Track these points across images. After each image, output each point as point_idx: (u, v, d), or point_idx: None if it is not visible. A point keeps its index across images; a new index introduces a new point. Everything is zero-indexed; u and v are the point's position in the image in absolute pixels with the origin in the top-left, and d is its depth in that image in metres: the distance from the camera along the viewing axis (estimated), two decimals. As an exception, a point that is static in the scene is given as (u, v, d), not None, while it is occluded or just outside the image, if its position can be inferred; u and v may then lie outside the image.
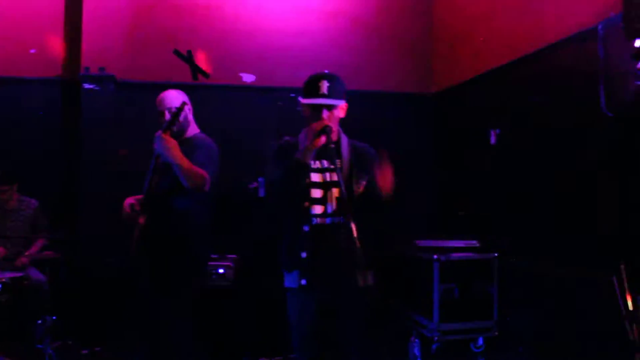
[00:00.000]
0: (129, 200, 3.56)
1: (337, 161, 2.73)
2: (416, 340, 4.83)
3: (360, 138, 2.94)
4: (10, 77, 5.46)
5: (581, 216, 4.27)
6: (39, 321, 4.33)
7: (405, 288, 5.68)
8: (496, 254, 5.20)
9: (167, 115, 3.53)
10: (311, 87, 2.73)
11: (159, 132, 3.31)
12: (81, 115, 5.47)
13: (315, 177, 2.79)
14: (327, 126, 2.60)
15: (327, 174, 2.77)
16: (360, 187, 2.77)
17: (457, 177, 6.10)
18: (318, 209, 2.76)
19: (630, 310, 3.57)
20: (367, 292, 2.50)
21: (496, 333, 5.18)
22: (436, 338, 5.04)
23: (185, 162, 3.30)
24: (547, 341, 4.68)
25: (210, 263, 4.13)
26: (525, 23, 4.91)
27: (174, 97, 3.60)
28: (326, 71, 2.79)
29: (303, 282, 2.74)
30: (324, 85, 2.70)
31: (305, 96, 2.76)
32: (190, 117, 3.68)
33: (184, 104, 3.36)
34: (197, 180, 3.32)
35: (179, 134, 3.55)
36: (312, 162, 2.75)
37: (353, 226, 2.36)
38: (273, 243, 5.04)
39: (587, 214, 4.20)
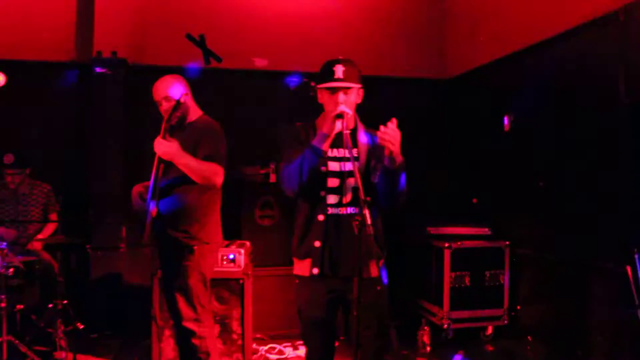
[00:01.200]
0: (138, 188, 3.55)
1: (354, 150, 2.70)
2: (426, 327, 4.83)
3: (374, 124, 2.90)
4: (22, 61, 5.42)
5: (596, 204, 4.22)
6: (50, 305, 4.35)
7: (416, 275, 5.66)
8: (508, 242, 5.16)
9: (164, 105, 3.50)
10: (326, 72, 2.70)
11: (157, 137, 3.28)
12: (93, 99, 5.44)
13: (333, 166, 2.75)
14: (343, 111, 2.57)
15: (344, 163, 2.73)
16: (376, 176, 2.73)
17: (471, 163, 6.06)
18: (333, 199, 2.73)
19: (643, 301, 3.54)
20: (380, 282, 2.46)
21: (506, 321, 5.17)
22: (446, 326, 5.02)
23: (190, 162, 3.28)
24: (557, 330, 4.65)
25: (221, 249, 4.11)
26: (543, 7, 4.81)
27: (170, 85, 3.54)
28: (340, 57, 2.75)
29: (315, 270, 2.72)
30: (339, 69, 2.68)
31: (321, 81, 2.73)
32: (190, 102, 3.60)
33: (178, 102, 3.29)
34: (206, 175, 3.31)
35: (180, 123, 3.51)
36: (329, 151, 2.71)
37: (367, 215, 2.31)
38: (285, 230, 5.09)
39: (602, 202, 4.15)
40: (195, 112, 3.64)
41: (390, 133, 2.47)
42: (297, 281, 2.84)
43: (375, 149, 2.77)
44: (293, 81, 5.91)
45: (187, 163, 3.30)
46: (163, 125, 3.32)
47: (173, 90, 3.50)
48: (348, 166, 2.69)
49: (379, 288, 2.67)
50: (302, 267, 2.79)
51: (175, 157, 3.29)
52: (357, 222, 2.37)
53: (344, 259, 2.67)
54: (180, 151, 3.29)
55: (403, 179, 2.63)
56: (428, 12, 6.40)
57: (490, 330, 5.21)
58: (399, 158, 2.56)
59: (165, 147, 3.27)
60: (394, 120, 2.50)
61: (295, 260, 2.85)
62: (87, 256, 5.31)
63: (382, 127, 2.48)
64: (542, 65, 4.86)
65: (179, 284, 3.45)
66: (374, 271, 2.51)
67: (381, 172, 2.68)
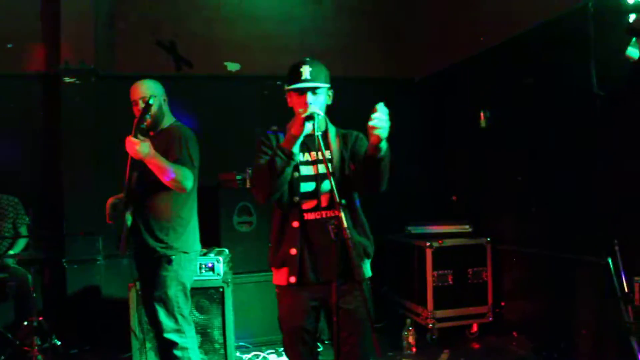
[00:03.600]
0: (111, 200, 3.48)
1: (326, 152, 2.64)
2: (410, 328, 4.80)
3: (347, 125, 2.85)
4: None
5: (575, 198, 4.22)
6: (25, 322, 4.24)
7: (398, 275, 5.64)
8: (489, 239, 5.15)
9: (140, 105, 3.43)
10: (293, 74, 2.65)
11: (129, 136, 3.20)
12: (62, 109, 5.34)
13: (306, 170, 2.69)
14: (313, 112, 2.50)
15: (319, 166, 2.67)
16: (352, 168, 2.67)
17: (449, 161, 6.05)
18: (309, 204, 2.67)
19: (625, 292, 3.54)
20: (362, 287, 2.40)
21: (491, 318, 5.16)
22: (430, 326, 5.00)
23: (162, 163, 3.21)
24: (541, 324, 4.65)
25: (199, 257, 4.04)
26: (513, 3, 4.83)
27: (148, 87, 3.49)
28: (307, 57, 2.71)
29: (292, 279, 2.65)
30: (306, 70, 2.62)
31: (288, 83, 2.67)
32: (166, 108, 3.58)
33: (150, 100, 3.22)
34: (177, 179, 3.24)
35: (154, 127, 3.46)
36: (301, 155, 2.65)
37: (342, 219, 2.25)
38: (263, 235, 5.02)
39: (581, 195, 4.15)
40: (168, 119, 3.59)
41: (382, 118, 2.37)
42: (277, 290, 2.78)
43: (348, 147, 2.73)
44: (266, 85, 5.85)
45: (158, 163, 3.21)
46: (134, 125, 3.24)
47: (150, 91, 3.45)
48: (322, 169, 2.63)
49: (359, 292, 2.58)
50: (280, 277, 2.72)
51: (146, 156, 3.18)
52: (333, 227, 2.30)
53: (323, 265, 2.61)
54: (151, 150, 3.19)
55: (388, 165, 2.53)
56: (400, 11, 6.39)
57: (475, 328, 5.20)
58: (385, 144, 2.46)
59: (136, 146, 3.17)
60: (383, 110, 2.40)
61: (273, 269, 2.79)
62: (62, 270, 5.19)
63: (373, 115, 2.38)
64: (515, 60, 4.87)
65: (158, 295, 3.38)
66: (358, 275, 2.44)
67: (360, 161, 2.61)
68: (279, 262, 2.71)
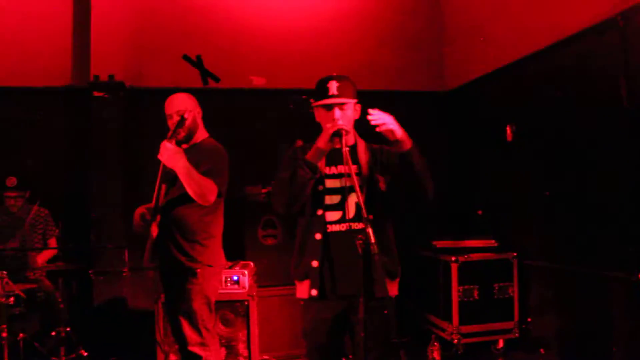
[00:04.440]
0: (140, 210, 3.50)
1: (354, 167, 2.66)
2: (436, 343, 4.75)
3: (374, 139, 2.86)
4: (19, 88, 5.41)
5: (603, 213, 4.15)
6: (53, 333, 4.29)
7: (423, 290, 5.59)
8: (515, 254, 5.09)
9: (175, 118, 3.46)
10: (321, 89, 2.67)
11: (164, 141, 3.25)
12: (92, 122, 5.42)
13: (332, 183, 2.70)
14: (341, 129, 2.51)
15: (344, 179, 2.68)
16: (382, 186, 2.67)
17: (474, 175, 6.00)
18: (335, 216, 2.67)
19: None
20: (385, 303, 2.39)
21: (517, 334, 5.09)
22: (456, 341, 4.94)
23: (191, 172, 3.24)
24: (569, 342, 4.57)
25: (224, 271, 4.06)
26: (541, 16, 4.79)
27: (183, 100, 3.54)
28: (334, 74, 2.72)
29: (313, 292, 2.65)
30: (334, 86, 2.64)
31: (316, 99, 2.70)
32: (199, 121, 3.61)
33: (182, 118, 3.26)
34: (202, 190, 3.26)
35: (187, 140, 3.50)
36: (327, 168, 2.66)
37: (371, 234, 2.25)
38: (288, 248, 5.03)
39: (610, 210, 4.09)
40: (202, 134, 3.62)
41: (378, 115, 2.45)
42: (302, 303, 2.78)
43: (377, 162, 2.73)
44: (292, 99, 5.88)
45: (188, 172, 3.23)
46: (170, 131, 3.27)
47: (186, 104, 3.49)
48: (348, 182, 2.64)
49: (385, 312, 2.59)
50: (302, 289, 2.73)
51: (176, 164, 3.22)
52: (360, 242, 2.30)
53: (346, 278, 2.60)
54: (183, 158, 3.23)
55: (421, 162, 2.57)
56: (426, 25, 6.39)
57: (501, 344, 5.12)
58: (408, 140, 2.51)
59: (170, 151, 3.21)
60: (375, 109, 2.49)
61: (296, 282, 2.80)
62: (89, 282, 5.25)
63: (368, 116, 2.47)
64: (542, 74, 4.82)
65: (183, 308, 3.39)
66: (380, 291, 2.44)
67: (397, 173, 2.62)
68: (301, 275, 2.73)
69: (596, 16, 4.12)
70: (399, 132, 2.50)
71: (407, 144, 2.52)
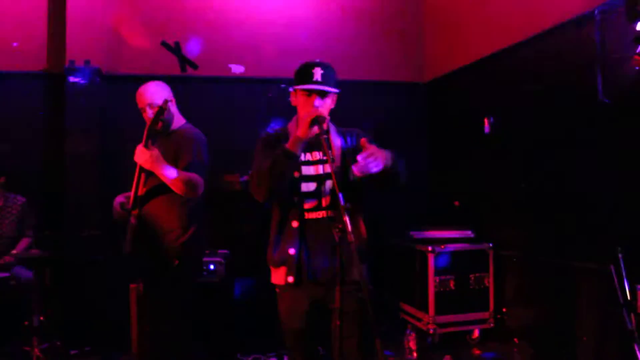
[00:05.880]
0: (119, 199, 3.47)
1: (329, 152, 2.64)
2: (411, 333, 4.78)
3: (343, 123, 2.84)
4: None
5: (578, 204, 4.21)
6: (26, 322, 4.24)
7: (399, 280, 5.62)
8: (491, 244, 5.14)
9: (148, 112, 3.42)
10: (304, 74, 2.63)
11: (139, 145, 3.21)
12: (67, 108, 5.34)
13: (308, 170, 2.68)
14: (319, 116, 2.49)
15: (321, 166, 2.67)
16: (355, 172, 2.66)
17: (451, 166, 6.04)
18: (310, 203, 2.66)
19: (628, 300, 3.53)
20: (361, 287, 2.39)
21: (492, 324, 5.15)
22: (432, 331, 4.99)
23: (171, 173, 3.21)
24: (543, 331, 4.63)
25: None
26: (520, 8, 4.82)
27: (154, 92, 3.47)
28: (318, 60, 2.69)
29: (290, 279, 2.64)
30: (318, 72, 2.61)
31: (297, 83, 2.65)
32: (174, 109, 3.56)
33: (161, 107, 3.22)
34: (188, 188, 3.25)
35: (164, 129, 3.45)
36: (302, 155, 2.65)
37: (347, 222, 2.25)
38: (263, 238, 5.02)
39: (584, 202, 4.14)
40: (178, 121, 3.57)
41: (372, 159, 2.35)
42: (277, 290, 2.78)
43: (350, 146, 2.72)
44: (271, 88, 5.86)
45: (167, 174, 3.22)
46: (145, 132, 3.24)
47: (157, 96, 3.43)
48: (325, 169, 2.63)
49: (360, 294, 2.57)
50: (278, 276, 2.72)
51: (155, 167, 3.21)
52: (337, 230, 2.30)
53: (322, 265, 2.61)
54: (160, 161, 3.21)
55: (396, 164, 2.53)
56: (406, 16, 6.40)
57: (476, 334, 5.18)
58: (388, 160, 2.46)
59: (146, 156, 3.19)
60: (364, 142, 2.41)
61: (271, 268, 2.78)
62: (64, 270, 5.18)
63: (359, 158, 2.36)
64: (520, 67, 4.86)
65: (162, 295, 3.37)
66: (355, 274, 2.44)
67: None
68: (277, 261, 2.70)
69: (574, 10, 4.16)
70: (382, 163, 2.40)
71: (389, 161, 2.46)
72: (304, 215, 2.66)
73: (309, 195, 2.67)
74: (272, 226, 2.77)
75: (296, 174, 2.63)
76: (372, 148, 2.40)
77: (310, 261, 2.64)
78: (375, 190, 2.68)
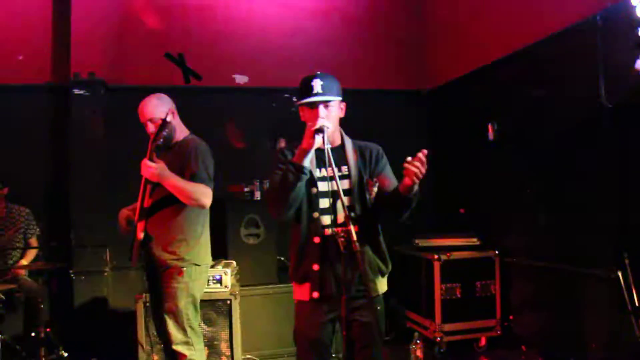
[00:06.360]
0: (124, 214, 3.49)
1: (344, 167, 2.65)
2: (418, 341, 4.76)
3: (357, 136, 2.85)
4: (-1, 85, 5.36)
5: (584, 210, 4.19)
6: (32, 334, 4.24)
7: (406, 288, 5.61)
8: (497, 252, 5.12)
9: (150, 127, 3.44)
10: (304, 88, 2.64)
11: (144, 159, 3.24)
12: (72, 120, 5.36)
13: (323, 187, 2.69)
14: (322, 125, 2.50)
15: (334, 182, 2.67)
16: (373, 192, 2.68)
17: (456, 173, 6.03)
18: (326, 219, 2.67)
19: (635, 306, 3.52)
20: (380, 302, 2.40)
21: (499, 332, 5.12)
22: (438, 339, 4.96)
23: (179, 183, 3.24)
24: (551, 338, 4.61)
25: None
26: (521, 16, 4.83)
27: (154, 107, 3.47)
28: (318, 72, 2.70)
29: (315, 294, 2.65)
30: (317, 84, 2.61)
31: (299, 98, 2.67)
32: (177, 120, 3.57)
33: (164, 121, 3.24)
34: (196, 197, 3.27)
35: (167, 142, 3.46)
36: (318, 171, 2.65)
37: (352, 232, 2.26)
38: (271, 247, 5.02)
39: (590, 208, 4.13)
40: (182, 132, 3.59)
41: (419, 166, 2.40)
42: (297, 304, 2.79)
43: (366, 162, 2.72)
44: (275, 97, 5.88)
45: (175, 184, 3.25)
46: (149, 146, 3.27)
47: (157, 111, 3.44)
48: (336, 185, 2.63)
49: (379, 307, 2.60)
50: (302, 292, 2.73)
51: (162, 179, 3.24)
52: (342, 239, 2.30)
53: (340, 281, 2.59)
54: (167, 173, 3.25)
55: (414, 204, 2.59)
56: (408, 24, 6.42)
57: (483, 342, 5.15)
58: (416, 187, 2.50)
59: (152, 170, 3.22)
60: (424, 152, 2.43)
61: (294, 284, 2.79)
62: (70, 281, 5.19)
63: (410, 159, 2.40)
64: (522, 74, 4.86)
65: (168, 307, 3.38)
66: (369, 290, 2.46)
67: (386, 191, 2.65)
68: (300, 278, 2.72)
69: (575, 16, 4.16)
70: (416, 184, 2.47)
71: (415, 189, 2.52)
72: (324, 232, 2.67)
73: (325, 211, 2.68)
74: (292, 242, 2.77)
75: (314, 190, 2.63)
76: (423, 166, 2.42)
77: (333, 276, 2.64)
78: (381, 213, 2.69)
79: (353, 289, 2.41)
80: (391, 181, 2.78)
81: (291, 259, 2.78)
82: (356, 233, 2.30)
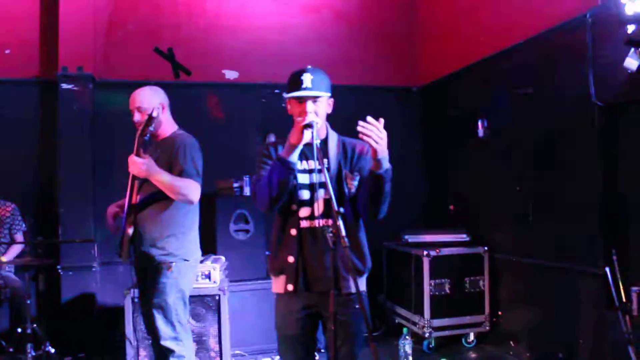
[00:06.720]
0: (112, 210, 3.46)
1: (325, 160, 2.64)
2: (407, 337, 4.77)
3: (346, 134, 2.85)
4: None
5: (573, 207, 4.21)
6: (19, 329, 4.21)
7: (395, 284, 5.62)
8: (486, 248, 5.14)
9: (136, 116, 3.42)
10: (294, 82, 2.61)
11: (132, 155, 3.22)
12: (60, 115, 5.32)
13: (302, 179, 2.67)
14: (312, 121, 2.49)
15: (314, 175, 2.66)
16: (352, 186, 2.66)
17: (446, 170, 6.05)
18: (305, 212, 2.65)
19: (623, 302, 3.54)
20: (359, 299, 2.38)
21: (488, 327, 5.15)
22: (427, 335, 4.98)
23: (167, 179, 3.22)
24: (539, 334, 4.63)
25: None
26: (511, 13, 4.85)
27: (145, 97, 3.45)
28: (309, 66, 2.68)
29: (289, 287, 2.64)
30: (307, 79, 2.59)
31: (289, 91, 2.64)
32: (166, 115, 3.54)
33: (150, 116, 3.22)
34: (184, 193, 3.26)
35: (153, 137, 3.44)
36: (299, 163, 2.64)
37: (341, 227, 2.25)
38: (260, 243, 5.00)
39: (579, 205, 4.15)
40: (170, 127, 3.56)
41: (371, 129, 2.33)
42: (275, 298, 2.77)
43: (349, 158, 2.72)
44: (264, 93, 5.86)
45: (163, 180, 3.23)
46: (136, 142, 3.24)
47: (147, 101, 3.41)
48: (318, 178, 2.62)
49: (357, 306, 2.58)
50: (278, 284, 2.71)
51: (149, 175, 3.22)
52: (331, 235, 2.30)
53: (320, 274, 2.60)
54: (154, 168, 3.23)
55: (388, 187, 2.51)
56: (399, 21, 6.43)
57: (472, 337, 5.18)
58: (386, 163, 2.45)
59: (139, 165, 3.20)
60: (381, 120, 2.37)
61: (272, 277, 2.77)
62: (57, 277, 5.16)
63: (361, 122, 2.34)
64: (513, 71, 4.87)
65: (157, 302, 3.36)
66: (353, 286, 2.43)
67: (363, 181, 2.61)
68: (277, 270, 2.70)
69: (566, 14, 4.17)
70: (381, 153, 2.39)
71: (385, 165, 2.44)
72: (299, 224, 2.65)
73: (304, 203, 2.66)
74: (273, 234, 2.76)
75: (293, 182, 2.62)
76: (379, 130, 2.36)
77: (308, 269, 2.63)
78: (361, 209, 2.66)
79: (329, 284, 2.39)
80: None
81: (270, 252, 2.78)
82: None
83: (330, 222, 2.56)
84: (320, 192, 2.63)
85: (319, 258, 2.59)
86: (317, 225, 2.64)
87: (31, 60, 5.48)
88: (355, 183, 2.67)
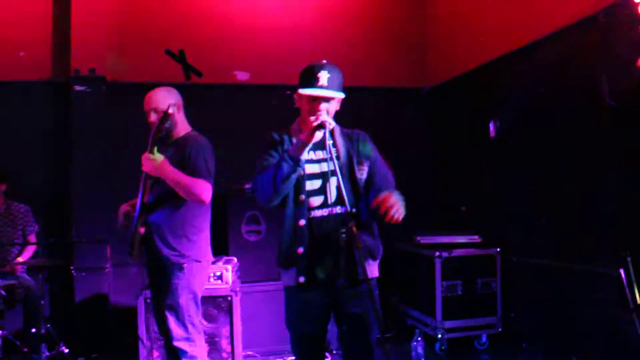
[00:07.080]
0: (124, 209, 3.47)
1: (335, 150, 2.62)
2: (419, 338, 4.76)
3: (347, 124, 2.83)
4: (-1, 81, 5.35)
5: (586, 208, 4.19)
6: (33, 330, 4.24)
7: (407, 285, 5.61)
8: (498, 249, 5.12)
9: (152, 117, 3.43)
10: (309, 77, 2.57)
11: (145, 153, 3.23)
12: (72, 117, 5.36)
13: (312, 169, 2.65)
14: (325, 121, 2.47)
15: (325, 164, 2.63)
16: (364, 172, 2.65)
17: (457, 170, 6.02)
18: (317, 201, 2.63)
19: (637, 304, 3.51)
20: (368, 287, 2.35)
21: (500, 329, 5.12)
22: (440, 336, 4.96)
23: (179, 177, 3.23)
24: (552, 336, 4.61)
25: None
26: (523, 12, 4.82)
27: (160, 97, 3.46)
28: (325, 61, 2.64)
29: (301, 279, 2.60)
30: (324, 76, 2.55)
31: (303, 86, 2.61)
32: (180, 116, 3.54)
33: (165, 114, 3.23)
34: (196, 192, 3.26)
35: (167, 136, 3.45)
36: (306, 153, 2.60)
37: (354, 228, 2.24)
38: (272, 244, 5.00)
39: (592, 206, 4.12)
40: (184, 128, 3.57)
41: (387, 205, 2.34)
42: (286, 292, 2.75)
43: (354, 146, 2.70)
44: (275, 95, 5.87)
45: (175, 179, 3.23)
46: (150, 140, 3.25)
47: (161, 101, 3.42)
48: (328, 166, 2.60)
49: (367, 296, 2.53)
50: (289, 277, 2.67)
51: (162, 173, 3.23)
52: (345, 235, 2.29)
53: (331, 263, 2.55)
54: (168, 166, 3.23)
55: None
56: (409, 22, 6.41)
57: (484, 339, 5.15)
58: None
59: (152, 163, 3.20)
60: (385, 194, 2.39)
61: (281, 271, 2.74)
62: (70, 278, 5.19)
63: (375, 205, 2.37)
64: (525, 71, 4.84)
65: (169, 303, 3.36)
66: (360, 273, 2.41)
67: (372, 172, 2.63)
68: (287, 262, 2.67)
69: (578, 13, 4.14)
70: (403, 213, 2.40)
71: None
72: (310, 214, 2.63)
73: (315, 192, 2.64)
74: (280, 228, 2.73)
75: (300, 173, 2.58)
76: (390, 199, 2.37)
77: (319, 259, 2.59)
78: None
79: (342, 275, 2.37)
80: (379, 176, 2.72)
81: (278, 246, 2.74)
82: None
83: (343, 209, 2.53)
84: (332, 181, 2.60)
85: (331, 248, 2.54)
86: (330, 213, 2.62)
87: (44, 62, 5.52)
88: (366, 168, 2.66)
